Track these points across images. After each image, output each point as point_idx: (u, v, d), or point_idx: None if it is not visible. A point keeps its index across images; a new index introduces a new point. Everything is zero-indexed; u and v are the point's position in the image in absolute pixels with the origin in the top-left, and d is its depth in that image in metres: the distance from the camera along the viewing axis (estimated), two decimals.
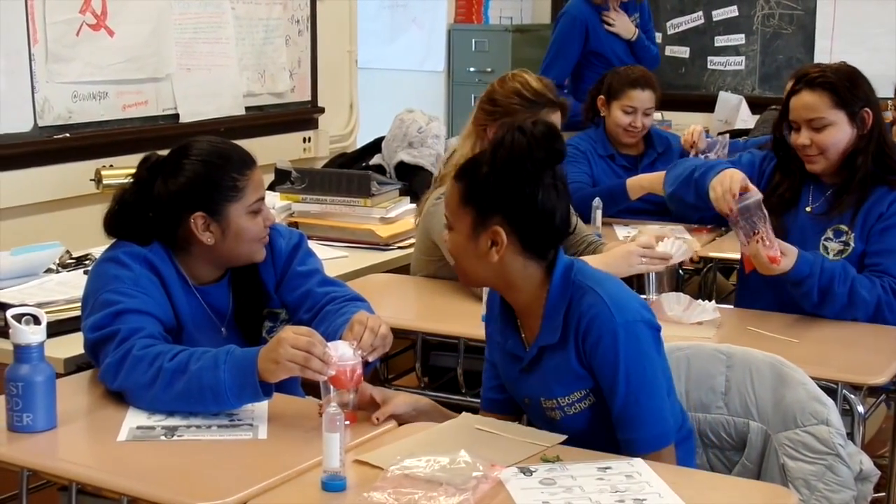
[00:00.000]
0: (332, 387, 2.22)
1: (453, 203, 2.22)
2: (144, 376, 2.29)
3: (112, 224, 2.54)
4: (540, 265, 2.23)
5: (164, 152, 2.58)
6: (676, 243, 3.17)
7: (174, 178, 2.48)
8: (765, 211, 3.00)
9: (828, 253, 3.13)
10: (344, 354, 2.23)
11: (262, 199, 2.53)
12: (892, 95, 5.53)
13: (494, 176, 2.17)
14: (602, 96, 4.52)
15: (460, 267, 2.28)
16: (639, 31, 5.69)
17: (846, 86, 3.09)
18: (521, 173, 2.16)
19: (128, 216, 2.52)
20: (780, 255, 2.96)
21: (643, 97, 4.44)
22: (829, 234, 3.15)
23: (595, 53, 5.55)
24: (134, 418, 2.29)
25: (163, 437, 2.20)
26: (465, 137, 3.45)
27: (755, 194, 3.02)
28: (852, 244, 3.11)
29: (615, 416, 2.20)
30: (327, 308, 2.58)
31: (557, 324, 2.21)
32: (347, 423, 2.17)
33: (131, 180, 2.56)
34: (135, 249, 2.49)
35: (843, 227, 3.13)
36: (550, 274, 2.23)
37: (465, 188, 2.20)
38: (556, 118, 3.32)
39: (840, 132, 3.10)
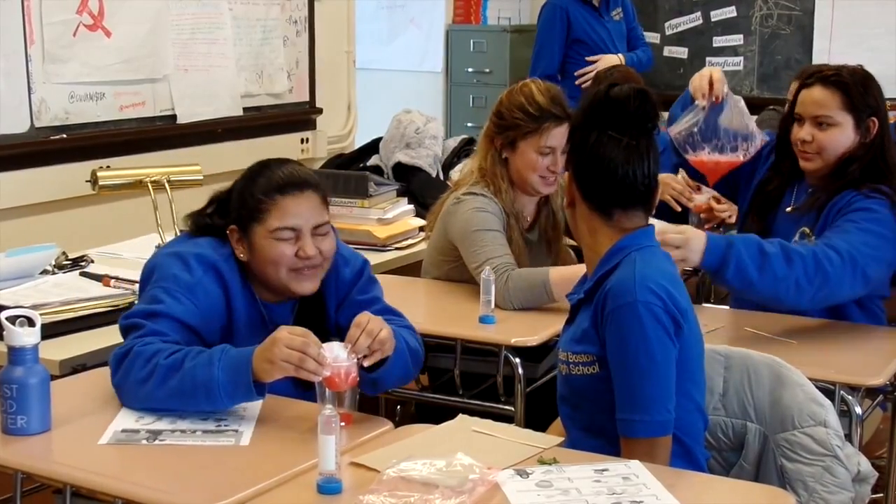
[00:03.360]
0: (326, 388, 2.21)
1: None
2: (141, 372, 2.28)
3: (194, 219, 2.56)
4: (607, 225, 2.28)
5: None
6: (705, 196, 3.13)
7: (235, 192, 2.51)
8: (750, 136, 3.01)
9: None
10: (338, 356, 2.23)
11: (294, 229, 2.44)
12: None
13: (588, 121, 2.29)
14: None
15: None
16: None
17: (860, 90, 3.07)
18: (588, 125, 2.27)
19: (206, 216, 2.55)
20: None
21: None
22: (797, 236, 3.11)
23: (579, 41, 5.57)
24: (121, 421, 2.27)
25: (144, 441, 2.18)
26: (478, 148, 3.48)
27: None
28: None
29: (615, 393, 2.21)
30: None
31: (593, 282, 2.27)
32: (343, 424, 2.17)
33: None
34: (207, 254, 2.47)
35: (807, 230, 3.09)
36: (622, 238, 2.28)
37: None
38: (563, 131, 3.28)
39: (843, 135, 3.08)
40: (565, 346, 2.33)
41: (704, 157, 3.17)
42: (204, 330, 2.42)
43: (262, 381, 2.24)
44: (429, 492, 1.90)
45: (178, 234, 2.76)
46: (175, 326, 2.37)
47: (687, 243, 2.80)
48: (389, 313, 2.59)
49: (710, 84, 3.10)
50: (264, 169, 2.50)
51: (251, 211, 2.45)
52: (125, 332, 2.40)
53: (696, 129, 3.07)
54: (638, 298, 2.17)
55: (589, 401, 2.28)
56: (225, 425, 2.27)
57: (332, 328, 2.55)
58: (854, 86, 3.07)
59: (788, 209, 3.18)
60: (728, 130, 3.06)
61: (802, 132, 3.11)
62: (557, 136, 3.27)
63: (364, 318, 2.34)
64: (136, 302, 2.63)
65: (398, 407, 3.68)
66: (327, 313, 2.59)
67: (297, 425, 2.26)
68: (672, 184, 3.40)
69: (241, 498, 1.94)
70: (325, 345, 2.24)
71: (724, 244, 2.85)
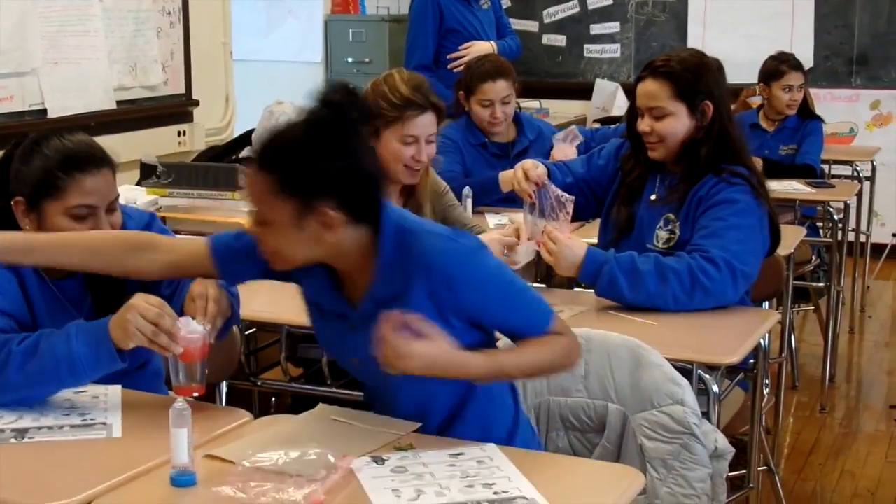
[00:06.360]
0: (179, 361, 2.19)
1: (266, 197, 2.05)
2: None
3: None
4: (372, 227, 2.12)
5: None
6: (525, 249, 3.18)
7: (17, 162, 2.46)
8: (564, 208, 3.08)
9: (658, 241, 3.16)
10: (194, 329, 2.20)
11: (92, 206, 2.43)
12: (757, 81, 5.68)
13: (311, 152, 2.03)
14: (462, 92, 4.54)
15: (282, 257, 2.13)
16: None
17: (688, 77, 3.12)
18: (342, 148, 2.04)
19: None
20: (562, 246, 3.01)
21: (497, 88, 4.47)
22: (661, 222, 3.18)
23: (452, 31, 5.61)
24: None
25: (13, 440, 2.14)
26: None
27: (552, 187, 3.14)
28: (678, 232, 3.13)
29: (504, 331, 2.21)
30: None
31: (396, 271, 2.11)
32: (195, 395, 2.15)
33: None
34: None
35: (671, 216, 3.16)
36: (379, 229, 2.12)
37: (281, 178, 2.03)
38: (426, 120, 3.31)
39: (679, 122, 3.13)
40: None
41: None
42: (16, 314, 2.40)
43: (121, 348, 2.24)
44: (282, 481, 1.90)
45: None
46: None
47: (560, 252, 3.00)
48: None
49: (528, 178, 3.19)
50: (52, 141, 2.45)
51: (45, 186, 2.41)
52: None
53: (535, 219, 3.16)
54: (469, 247, 2.14)
55: (426, 382, 2.16)
56: (91, 419, 2.24)
57: (135, 286, 2.48)
58: (682, 73, 3.12)
59: (653, 197, 3.24)
60: (552, 206, 3.13)
61: (643, 125, 3.19)
62: (420, 125, 3.29)
63: (202, 286, 2.32)
64: None
65: (273, 399, 3.67)
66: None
67: (159, 420, 2.18)
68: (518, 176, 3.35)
69: (92, 494, 1.91)
70: (180, 319, 2.22)
71: (601, 261, 2.98)
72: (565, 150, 4.49)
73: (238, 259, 2.29)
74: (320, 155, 2.03)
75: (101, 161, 2.46)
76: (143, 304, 2.20)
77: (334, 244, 2.08)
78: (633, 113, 3.26)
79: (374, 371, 2.11)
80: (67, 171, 2.41)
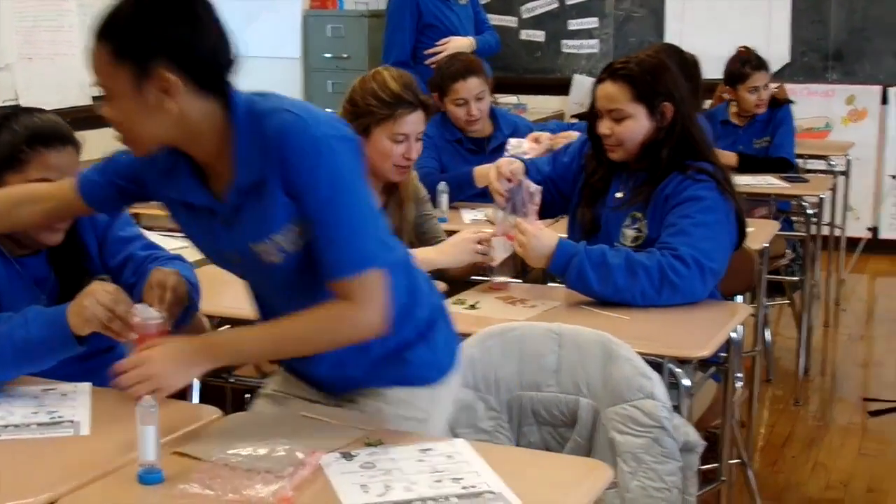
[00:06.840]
0: (135, 348, 2.17)
1: (105, 67, 2.00)
2: None
3: None
4: (220, 103, 2.03)
5: None
6: (502, 244, 3.18)
7: None
8: (532, 199, 3.10)
9: (625, 240, 3.15)
10: (150, 316, 2.19)
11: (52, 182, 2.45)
12: (722, 78, 5.70)
13: (144, 16, 1.98)
14: (436, 93, 4.53)
15: (134, 136, 2.05)
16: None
17: (647, 79, 3.12)
18: (169, 9, 1.99)
19: None
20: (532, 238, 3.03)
21: (469, 86, 4.46)
22: (628, 221, 3.16)
23: (431, 26, 5.61)
24: None
25: None
26: None
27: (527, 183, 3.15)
28: (645, 231, 3.12)
29: (315, 238, 2.05)
30: (149, 266, 2.54)
31: (254, 156, 2.02)
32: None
33: None
34: None
35: (638, 215, 3.15)
36: (233, 112, 2.03)
37: (113, 44, 1.98)
38: (416, 118, 3.31)
39: (638, 125, 3.13)
40: (265, 234, 2.06)
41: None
42: None
43: (78, 334, 2.27)
44: (250, 478, 1.90)
45: None
46: None
47: (529, 243, 3.02)
48: (153, 248, 2.68)
49: (500, 175, 3.20)
50: (22, 117, 2.50)
51: (10, 159, 2.46)
52: None
53: (507, 215, 3.18)
54: (316, 133, 2.01)
55: (312, 274, 2.10)
56: (59, 416, 2.24)
57: (98, 269, 2.57)
58: (641, 76, 3.12)
59: (618, 195, 3.23)
60: (523, 200, 3.15)
61: (602, 127, 3.18)
62: (410, 123, 3.29)
63: (162, 275, 2.34)
64: None
65: (246, 395, 3.65)
66: (89, 256, 2.61)
67: (130, 418, 2.19)
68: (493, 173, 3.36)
69: (56, 494, 1.90)
70: (137, 305, 2.23)
71: (571, 252, 2.98)
72: (520, 148, 4.40)
73: (104, 190, 2.29)
74: (146, 16, 1.98)
75: (66, 139, 2.53)
76: (100, 289, 2.25)
77: (181, 117, 2.00)
78: (594, 114, 3.25)
79: (257, 265, 2.10)
80: (32, 146, 2.46)
